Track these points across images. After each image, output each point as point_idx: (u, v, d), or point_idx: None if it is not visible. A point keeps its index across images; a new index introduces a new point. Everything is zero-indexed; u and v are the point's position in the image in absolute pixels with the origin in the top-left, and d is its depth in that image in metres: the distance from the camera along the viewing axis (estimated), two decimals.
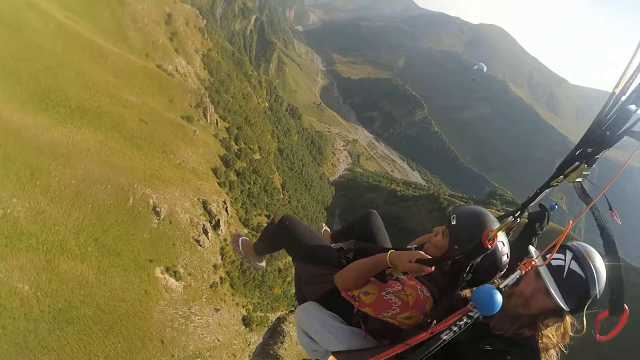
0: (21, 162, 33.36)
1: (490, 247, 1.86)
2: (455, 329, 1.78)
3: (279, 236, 3.26)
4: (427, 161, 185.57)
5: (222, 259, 49.44)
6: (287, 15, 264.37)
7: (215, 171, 61.80)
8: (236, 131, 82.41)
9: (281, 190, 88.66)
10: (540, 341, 1.97)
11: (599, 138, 1.67)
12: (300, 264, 3.13)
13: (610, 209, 1.84)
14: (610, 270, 1.86)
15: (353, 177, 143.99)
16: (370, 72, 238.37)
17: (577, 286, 1.85)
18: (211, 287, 45.40)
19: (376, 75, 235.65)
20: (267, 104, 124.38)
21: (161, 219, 40.84)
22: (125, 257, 36.15)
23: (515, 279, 1.80)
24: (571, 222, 1.92)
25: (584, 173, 1.82)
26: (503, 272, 2.24)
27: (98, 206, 36.06)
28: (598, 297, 1.86)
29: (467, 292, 2.30)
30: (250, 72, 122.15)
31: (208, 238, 46.44)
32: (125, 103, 53.52)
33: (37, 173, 33.92)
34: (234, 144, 78.40)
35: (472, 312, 1.76)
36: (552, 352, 1.99)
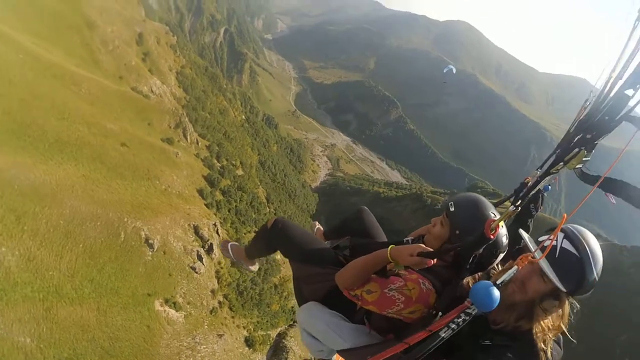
0: (5, 207, 31.93)
1: (492, 237, 1.86)
2: (453, 326, 1.79)
3: (273, 239, 3.25)
4: (405, 159, 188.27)
5: (218, 283, 48.85)
6: (256, 25, 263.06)
7: (200, 192, 61.11)
8: (217, 148, 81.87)
9: (266, 204, 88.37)
10: (537, 333, 1.95)
11: (597, 123, 1.67)
12: (297, 264, 3.12)
13: (605, 193, 1.82)
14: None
15: (334, 182, 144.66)
16: (342, 75, 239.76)
17: (571, 265, 1.83)
18: (211, 312, 44.76)
19: (348, 77, 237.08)
20: (243, 117, 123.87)
21: (154, 250, 39.98)
22: (123, 294, 35.17)
23: (512, 274, 1.79)
24: (565, 215, 1.90)
25: (583, 159, 1.81)
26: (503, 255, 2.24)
27: (89, 245, 34.97)
28: (596, 277, 1.83)
29: (469, 280, 2.28)
30: (225, 86, 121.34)
31: (203, 263, 45.79)
32: (104, 131, 52.24)
33: (23, 217, 32.61)
34: (215, 161, 77.76)
35: (470, 308, 1.77)
36: (549, 341, 1.97)
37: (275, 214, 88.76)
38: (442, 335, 1.80)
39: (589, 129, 1.70)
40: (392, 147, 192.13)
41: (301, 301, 3.03)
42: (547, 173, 1.94)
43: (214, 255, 49.79)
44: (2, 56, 46.04)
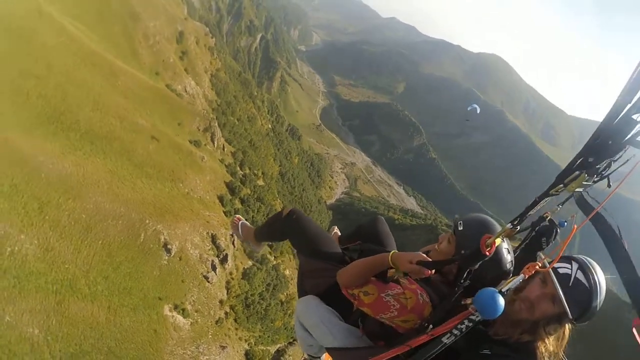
0: (29, 193, 32.10)
1: (487, 253, 1.81)
2: (456, 332, 1.75)
3: (286, 227, 3.25)
4: (422, 187, 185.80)
5: (227, 293, 48.28)
6: (292, 34, 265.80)
7: (221, 199, 61.03)
8: (241, 155, 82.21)
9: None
10: (538, 346, 1.96)
11: (600, 147, 1.59)
12: (304, 257, 3.14)
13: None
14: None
15: (350, 202, 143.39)
16: (370, 96, 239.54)
17: (581, 295, 1.86)
18: (216, 322, 44.20)
19: (375, 98, 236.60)
20: (269, 126, 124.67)
21: (172, 255, 39.71)
22: (135, 295, 34.87)
23: (518, 283, 1.78)
24: (575, 226, 1.94)
25: (584, 182, 1.75)
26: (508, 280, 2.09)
27: (108, 242, 34.85)
28: (598, 308, 1.87)
29: (469, 301, 2.10)
30: (255, 93, 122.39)
31: (216, 273, 45.36)
32: (135, 127, 52.74)
33: (46, 206, 32.68)
34: (239, 169, 77.96)
35: (474, 315, 1.73)
36: (547, 356, 1.96)
37: None
38: (445, 341, 1.78)
39: (591, 152, 1.64)
40: (411, 174, 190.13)
41: (302, 294, 3.05)
42: (546, 194, 1.89)
43: (227, 266, 49.38)
44: (44, 37, 46.78)
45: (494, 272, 2.22)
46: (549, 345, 1.98)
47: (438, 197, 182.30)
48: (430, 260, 2.09)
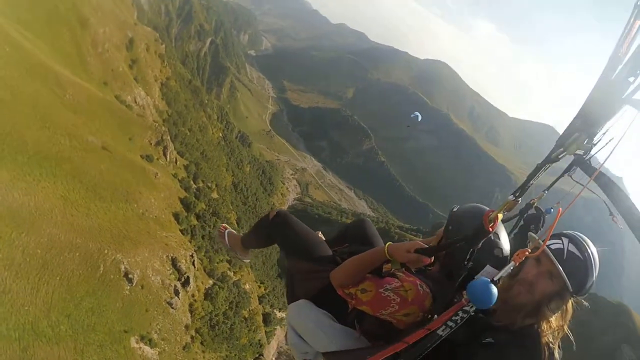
0: None
1: (491, 229, 1.81)
2: (451, 324, 1.78)
3: (273, 231, 3.16)
4: (373, 190, 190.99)
5: (191, 316, 47.32)
6: (242, 39, 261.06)
7: (176, 216, 59.54)
8: (194, 168, 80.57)
9: (238, 228, 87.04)
10: (541, 328, 1.96)
11: (597, 108, 1.67)
12: (293, 259, 3.03)
13: (610, 214, 1.85)
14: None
15: (303, 208, 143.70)
16: (320, 101, 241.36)
17: (577, 267, 1.90)
18: (183, 348, 43.23)
19: (325, 104, 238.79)
20: (220, 134, 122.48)
21: (133, 284, 38.26)
22: (100, 330, 33.29)
23: (509, 270, 1.81)
24: (560, 209, 2.06)
25: (584, 144, 1.81)
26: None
27: (67, 277, 32.96)
28: (595, 279, 1.92)
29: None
30: (206, 101, 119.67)
31: (179, 298, 44.27)
32: (85, 145, 50.12)
33: None
34: (192, 183, 76.29)
35: (468, 306, 1.77)
36: (551, 337, 1.98)
37: None
38: (441, 334, 1.78)
39: (588, 114, 1.70)
40: (361, 177, 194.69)
41: (291, 298, 2.91)
42: (548, 160, 1.94)
43: (189, 289, 48.34)
44: None
45: (490, 254, 2.12)
46: (552, 323, 1.98)
47: (388, 200, 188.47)
48: (428, 246, 2.07)
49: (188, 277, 47.60)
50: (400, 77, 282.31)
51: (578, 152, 1.84)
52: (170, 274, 45.06)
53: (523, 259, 1.79)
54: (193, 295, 49.02)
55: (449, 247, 2.11)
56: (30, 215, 33.64)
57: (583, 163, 1.92)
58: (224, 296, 56.71)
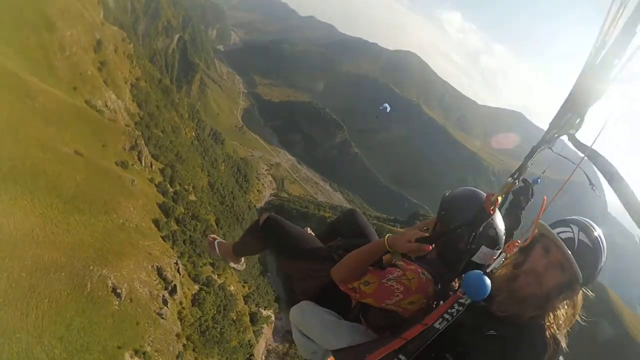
0: None
1: (492, 212, 1.82)
2: (448, 316, 1.79)
3: (267, 236, 3.13)
4: (347, 182, 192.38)
5: (181, 324, 47.26)
6: (210, 34, 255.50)
7: (156, 223, 58.73)
8: (170, 171, 79.42)
9: (217, 229, 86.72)
10: (547, 320, 1.88)
11: (586, 90, 1.70)
12: (289, 261, 3.00)
13: (590, 184, 1.92)
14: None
15: (280, 204, 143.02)
16: (291, 95, 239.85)
17: (587, 257, 1.81)
18: (177, 357, 43.08)
19: (296, 97, 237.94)
20: (193, 133, 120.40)
21: (122, 299, 37.84)
22: (94, 349, 32.88)
23: (501, 262, 1.84)
24: (545, 197, 2.07)
25: (576, 123, 1.84)
26: (501, 249, 2.17)
27: (55, 299, 32.29)
28: (602, 268, 1.86)
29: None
30: (177, 100, 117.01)
31: (168, 307, 44.10)
32: (59, 156, 48.75)
33: None
34: (169, 186, 75.17)
35: (463, 298, 1.79)
36: (558, 328, 1.91)
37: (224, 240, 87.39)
38: (438, 327, 1.78)
39: (579, 96, 1.75)
40: (336, 170, 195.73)
41: (292, 300, 2.87)
42: (543, 141, 1.99)
43: (176, 297, 48.18)
44: None
45: (488, 240, 2.11)
46: (560, 314, 1.91)
47: (363, 191, 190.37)
48: (428, 235, 2.08)
49: (175, 285, 47.40)
50: (370, 68, 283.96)
51: (571, 131, 1.89)
52: (157, 284, 44.77)
53: (514, 250, 1.86)
54: (181, 303, 48.91)
55: (450, 233, 2.13)
56: (11, 237, 32.62)
57: (576, 141, 1.91)
58: (211, 301, 56.68)
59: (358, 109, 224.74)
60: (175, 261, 52.03)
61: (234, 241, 3.68)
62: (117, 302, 37.51)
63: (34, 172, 42.57)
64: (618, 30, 1.46)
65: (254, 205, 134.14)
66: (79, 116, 59.94)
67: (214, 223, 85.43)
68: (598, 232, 1.84)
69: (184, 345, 45.30)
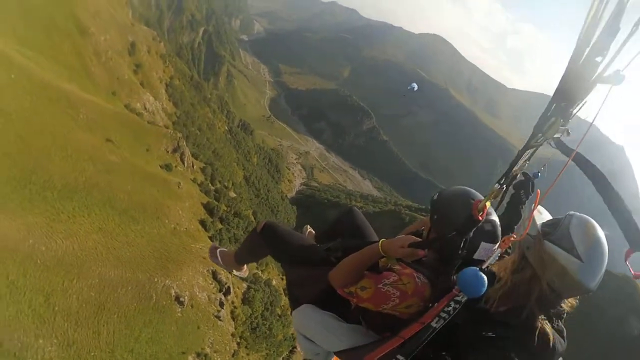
0: (30, 288, 28.36)
1: (480, 218, 1.82)
2: (444, 315, 1.79)
3: (264, 242, 3.16)
4: (376, 169, 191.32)
5: (234, 323, 48.55)
6: (233, 25, 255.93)
7: (203, 224, 59.67)
8: (210, 170, 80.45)
9: (255, 223, 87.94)
10: (543, 322, 1.86)
11: (570, 91, 1.69)
12: (289, 267, 3.07)
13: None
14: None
15: (311, 193, 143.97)
16: (317, 83, 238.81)
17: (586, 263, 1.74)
18: (233, 356, 44.33)
19: (322, 85, 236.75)
20: (225, 127, 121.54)
21: (184, 306, 38.92)
22: (162, 357, 33.74)
23: (496, 258, 1.83)
24: (539, 191, 2.10)
25: (560, 127, 1.83)
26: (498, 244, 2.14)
27: (124, 313, 33.07)
28: (604, 267, 1.78)
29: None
30: (209, 95, 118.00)
31: (223, 309, 45.38)
32: (108, 166, 49.29)
33: (52, 296, 29.25)
34: (210, 185, 76.27)
35: (458, 296, 1.80)
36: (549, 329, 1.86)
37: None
38: (434, 326, 1.80)
39: (562, 98, 1.72)
40: (364, 157, 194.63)
41: (295, 304, 2.90)
42: (527, 146, 1.96)
43: (229, 297, 49.33)
44: None
45: (486, 235, 2.10)
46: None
47: (392, 178, 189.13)
48: (421, 240, 2.07)
49: (229, 286, 48.47)
50: (395, 53, 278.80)
51: (556, 135, 1.89)
52: (213, 288, 45.76)
53: (508, 245, 1.86)
54: (233, 303, 50.01)
55: (440, 239, 2.10)
56: (76, 258, 33.28)
57: (562, 145, 1.95)
58: (260, 298, 57.81)
59: (385, 95, 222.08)
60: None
61: (234, 250, 3.74)
62: (180, 310, 38.42)
63: (87, 186, 42.82)
64: (600, 28, 1.45)
65: (286, 196, 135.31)
66: (122, 122, 60.70)
67: (252, 219, 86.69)
68: (597, 230, 1.76)
69: (237, 344, 46.45)
